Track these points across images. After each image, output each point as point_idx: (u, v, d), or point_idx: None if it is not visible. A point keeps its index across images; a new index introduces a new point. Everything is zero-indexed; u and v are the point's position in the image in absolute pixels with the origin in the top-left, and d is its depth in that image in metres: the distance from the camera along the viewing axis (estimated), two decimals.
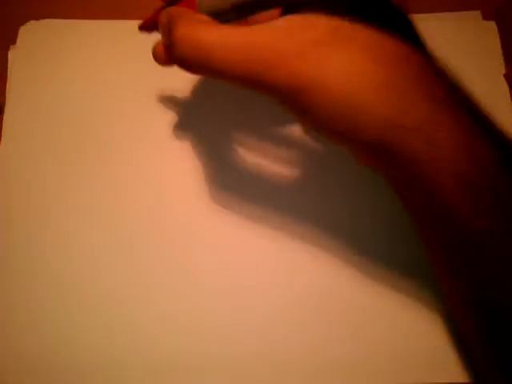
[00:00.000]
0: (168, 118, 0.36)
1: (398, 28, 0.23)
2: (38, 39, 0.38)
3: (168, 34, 0.24)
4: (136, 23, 0.38)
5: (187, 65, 0.23)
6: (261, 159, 0.35)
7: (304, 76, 0.21)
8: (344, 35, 0.21)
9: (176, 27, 0.23)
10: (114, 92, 0.37)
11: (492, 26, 0.38)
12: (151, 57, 0.37)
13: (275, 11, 0.25)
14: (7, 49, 0.38)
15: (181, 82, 0.37)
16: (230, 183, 0.35)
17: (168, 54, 0.24)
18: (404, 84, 0.20)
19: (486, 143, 0.20)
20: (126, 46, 0.38)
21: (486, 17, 0.39)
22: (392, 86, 0.20)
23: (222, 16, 0.24)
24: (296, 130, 0.36)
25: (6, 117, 0.36)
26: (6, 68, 0.37)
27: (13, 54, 0.37)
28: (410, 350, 0.31)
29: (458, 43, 0.38)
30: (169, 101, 0.37)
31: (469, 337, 0.26)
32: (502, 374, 0.24)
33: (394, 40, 0.22)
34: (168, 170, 0.35)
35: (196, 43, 0.22)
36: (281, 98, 0.22)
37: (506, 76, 0.37)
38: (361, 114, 0.21)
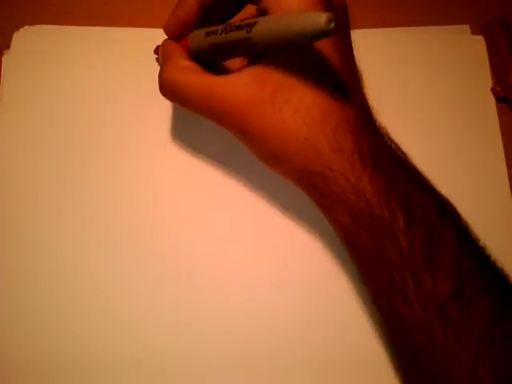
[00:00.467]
0: (160, 121, 0.37)
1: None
2: (32, 44, 0.38)
3: (160, 69, 0.31)
4: (128, 30, 0.39)
5: (170, 99, 0.31)
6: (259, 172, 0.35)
7: (248, 126, 0.28)
8: (282, 96, 0.27)
9: (162, 69, 0.31)
10: (108, 97, 0.37)
11: (480, 40, 0.39)
12: (143, 63, 0.38)
13: (243, 60, 0.31)
14: (1, 53, 0.38)
15: None
16: (229, 182, 0.35)
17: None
18: (317, 140, 0.27)
19: (375, 182, 0.26)
20: (118, 52, 0.38)
21: (474, 31, 0.39)
22: (308, 143, 0.27)
23: (206, 53, 0.30)
24: None
25: None
26: (0, 72, 0.37)
27: (6, 59, 0.38)
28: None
29: (447, 57, 0.38)
30: (161, 105, 0.37)
31: None
32: None
33: (323, 99, 0.27)
34: (164, 172, 0.35)
35: (173, 87, 0.30)
36: (236, 136, 0.30)
37: (492, 90, 0.37)
38: (285, 162, 0.28)
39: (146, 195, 0.35)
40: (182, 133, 0.36)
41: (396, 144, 0.29)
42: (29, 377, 0.31)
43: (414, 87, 0.37)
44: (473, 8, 0.40)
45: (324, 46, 0.28)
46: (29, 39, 0.38)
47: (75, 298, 0.32)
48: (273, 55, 0.28)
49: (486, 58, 0.38)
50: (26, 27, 0.39)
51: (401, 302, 0.25)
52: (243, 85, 0.28)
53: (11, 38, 0.38)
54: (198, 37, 0.31)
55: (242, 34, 0.27)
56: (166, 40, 0.33)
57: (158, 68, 0.31)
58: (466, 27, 0.39)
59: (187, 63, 0.30)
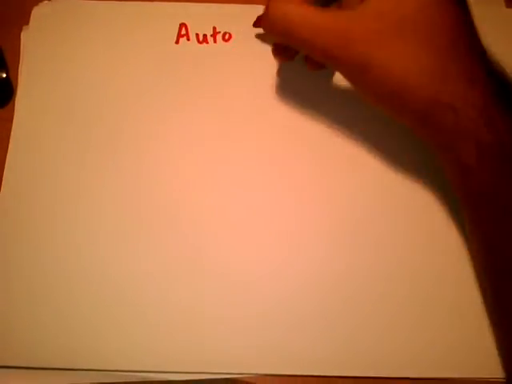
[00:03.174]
0: (182, 99, 0.36)
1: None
2: (51, 20, 0.38)
3: (267, 4, 0.29)
4: (153, 4, 0.38)
5: (274, 32, 0.30)
6: (266, 151, 0.35)
7: (367, 58, 0.27)
8: (405, 27, 0.26)
9: (272, 2, 0.29)
10: (127, 74, 0.36)
11: None
12: (164, 38, 0.37)
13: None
14: (20, 29, 0.37)
15: (196, 64, 0.37)
16: (236, 178, 0.34)
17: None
18: (446, 69, 0.26)
19: (506, 117, 0.25)
20: (138, 27, 0.38)
21: (509, 4, 0.38)
22: (437, 72, 0.26)
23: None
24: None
25: (18, 97, 0.36)
26: (19, 48, 0.37)
27: (26, 35, 0.37)
28: (419, 343, 0.31)
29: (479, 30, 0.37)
30: (183, 82, 0.36)
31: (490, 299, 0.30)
32: None
33: (447, 24, 0.26)
34: (178, 158, 0.35)
35: (283, 16, 0.28)
36: (347, 74, 0.29)
37: None
38: (408, 93, 0.27)
39: (160, 185, 0.34)
40: (202, 107, 0.36)
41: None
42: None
43: None
44: None
45: None
46: (48, 15, 0.38)
47: (82, 291, 0.32)
48: None
49: None
50: (45, 2, 0.38)
51: None
52: (363, 16, 0.27)
53: (30, 13, 0.38)
54: None
55: None
56: None
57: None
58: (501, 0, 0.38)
59: None
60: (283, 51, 0.33)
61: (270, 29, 0.30)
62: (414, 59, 0.26)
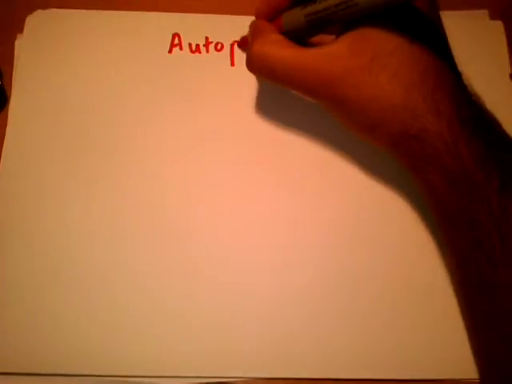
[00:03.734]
0: (175, 107, 0.36)
1: (427, 32, 0.29)
2: (45, 28, 0.38)
3: (249, 45, 0.32)
4: (144, 14, 0.39)
5: (256, 72, 0.32)
6: (259, 158, 0.35)
7: (343, 96, 0.28)
8: (380, 63, 0.27)
9: (252, 43, 0.31)
10: (120, 83, 0.37)
11: (499, 25, 0.38)
12: (157, 47, 0.38)
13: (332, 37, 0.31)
14: (14, 38, 0.38)
15: (188, 73, 0.37)
16: (231, 183, 0.35)
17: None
18: (415, 105, 0.27)
19: (472, 144, 0.26)
20: (131, 36, 0.38)
21: (493, 16, 0.39)
22: (407, 108, 0.27)
23: (299, 31, 0.31)
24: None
25: (11, 105, 0.36)
26: (13, 56, 0.37)
27: (20, 43, 0.38)
28: (415, 345, 0.31)
29: (465, 42, 0.37)
30: (175, 94, 0.37)
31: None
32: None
33: (417, 63, 0.27)
34: (171, 164, 0.35)
35: (264, 60, 0.30)
36: (326, 107, 0.30)
37: (511, 76, 0.37)
38: (380, 127, 0.28)
39: (154, 186, 0.34)
40: (195, 116, 0.36)
41: (488, 110, 0.29)
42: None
43: None
44: None
45: (420, 6, 0.28)
46: (42, 23, 0.38)
47: (76, 291, 0.32)
48: (367, 23, 0.28)
49: (505, 44, 0.38)
50: (38, 11, 0.38)
51: (485, 263, 0.26)
52: (338, 55, 0.28)
53: (24, 22, 0.38)
54: (293, 13, 0.31)
55: None
56: (256, 20, 0.33)
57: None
58: (485, 12, 0.39)
59: (279, 37, 0.31)
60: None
61: (251, 68, 0.31)
62: (385, 97, 0.28)
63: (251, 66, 0.31)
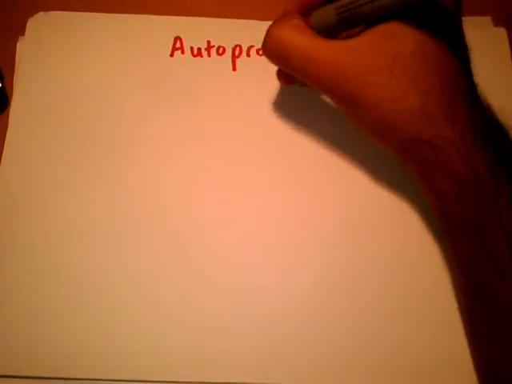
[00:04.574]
0: (176, 111, 0.36)
1: (447, 31, 0.28)
2: (47, 31, 0.38)
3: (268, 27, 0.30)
4: (145, 17, 0.39)
5: (270, 56, 0.30)
6: (261, 161, 0.35)
7: (358, 94, 0.28)
8: (398, 66, 0.27)
9: (272, 24, 0.30)
10: (121, 86, 0.37)
11: (502, 32, 0.38)
12: (158, 51, 0.37)
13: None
14: (16, 40, 0.38)
15: (189, 77, 0.37)
16: (233, 184, 0.34)
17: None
18: (432, 112, 0.27)
19: (484, 153, 0.26)
20: (133, 39, 0.38)
21: (496, 23, 0.38)
22: (422, 113, 0.27)
23: (329, 30, 0.29)
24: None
25: (12, 107, 0.36)
26: (15, 58, 0.37)
27: (21, 46, 0.37)
28: (415, 352, 0.31)
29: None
30: (176, 95, 0.37)
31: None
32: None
33: (439, 68, 0.27)
34: (172, 167, 0.35)
35: (281, 44, 0.29)
36: (339, 105, 0.29)
37: None
38: (392, 129, 0.28)
39: (154, 186, 0.34)
40: (196, 119, 0.36)
41: (501, 121, 0.29)
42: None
43: None
44: None
45: (445, 2, 0.28)
46: (43, 26, 0.38)
47: (76, 292, 0.32)
48: (389, 23, 0.27)
49: (508, 51, 0.38)
50: (40, 13, 0.38)
51: (493, 274, 0.26)
52: (360, 51, 0.28)
53: (26, 24, 0.38)
54: (323, 10, 0.30)
55: None
56: None
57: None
58: (488, 19, 0.39)
59: (301, 23, 0.29)
60: (286, 75, 0.33)
61: (265, 51, 0.30)
62: (403, 99, 0.27)
63: (266, 49, 0.30)
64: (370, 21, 0.28)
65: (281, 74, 0.34)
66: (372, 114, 0.28)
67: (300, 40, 0.28)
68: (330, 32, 0.30)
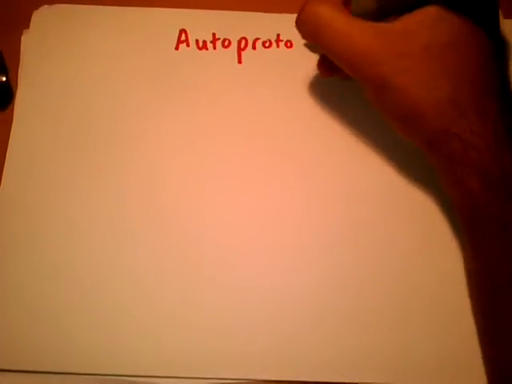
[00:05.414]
0: (181, 104, 0.36)
1: (484, 24, 0.28)
2: (51, 24, 0.38)
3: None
4: (150, 10, 0.38)
5: (302, 30, 0.30)
6: (265, 155, 0.35)
7: (389, 79, 0.27)
8: (431, 53, 0.27)
9: (308, 1, 0.29)
10: (126, 79, 0.37)
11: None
12: (163, 43, 0.37)
13: None
14: (20, 33, 0.37)
15: (195, 70, 0.37)
16: (236, 181, 0.34)
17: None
18: (462, 103, 0.26)
19: None
20: (138, 32, 0.38)
21: (506, 15, 0.38)
22: (453, 104, 0.26)
23: (370, 16, 0.29)
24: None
25: (17, 100, 0.36)
26: (19, 52, 0.37)
27: (26, 39, 0.37)
28: (416, 351, 0.31)
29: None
30: (181, 88, 0.36)
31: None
32: None
33: (473, 60, 0.27)
34: (176, 162, 0.35)
35: (314, 16, 0.29)
36: (368, 88, 0.29)
37: None
38: (421, 119, 0.27)
39: (156, 185, 0.34)
40: (201, 113, 0.36)
41: None
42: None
43: None
44: None
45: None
46: (48, 19, 0.38)
47: (77, 292, 0.31)
48: (426, 11, 0.27)
49: None
50: (45, 6, 0.38)
51: None
52: (394, 35, 0.27)
53: (30, 17, 0.38)
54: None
55: None
56: None
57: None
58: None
59: (338, 1, 0.29)
60: (327, 65, 0.33)
61: (299, 26, 0.30)
62: (434, 88, 0.27)
63: (299, 21, 0.30)
64: (410, 8, 0.28)
65: (323, 64, 0.33)
66: (401, 100, 0.27)
67: (335, 15, 0.28)
68: (369, 19, 0.29)
